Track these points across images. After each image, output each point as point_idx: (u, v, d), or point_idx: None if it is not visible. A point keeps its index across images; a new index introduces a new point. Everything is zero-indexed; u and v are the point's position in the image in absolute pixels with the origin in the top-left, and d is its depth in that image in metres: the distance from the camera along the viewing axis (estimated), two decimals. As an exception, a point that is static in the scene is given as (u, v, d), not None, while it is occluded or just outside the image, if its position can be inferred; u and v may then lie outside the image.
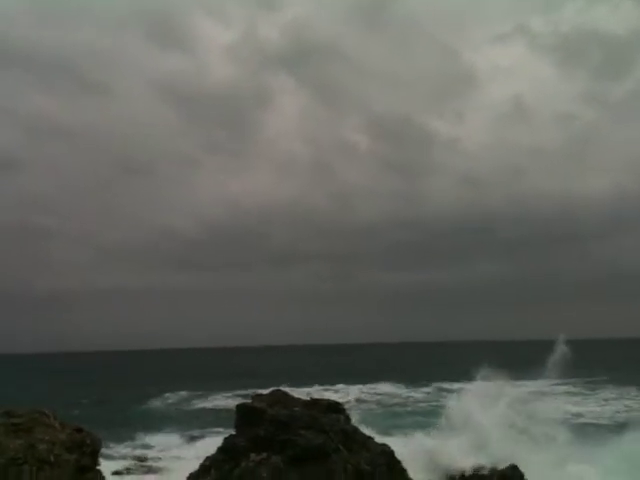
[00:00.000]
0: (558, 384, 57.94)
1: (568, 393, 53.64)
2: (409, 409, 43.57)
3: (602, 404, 43.82)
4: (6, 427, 13.70)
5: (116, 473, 23.81)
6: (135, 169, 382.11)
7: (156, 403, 49.47)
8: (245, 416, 22.12)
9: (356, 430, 21.97)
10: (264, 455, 19.67)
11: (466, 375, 63.24)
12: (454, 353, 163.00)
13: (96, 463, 15.38)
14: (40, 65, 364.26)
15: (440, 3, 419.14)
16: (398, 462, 21.52)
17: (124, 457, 25.96)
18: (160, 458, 26.68)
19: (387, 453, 21.46)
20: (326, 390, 54.56)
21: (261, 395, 24.47)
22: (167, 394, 53.71)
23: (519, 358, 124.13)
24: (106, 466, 19.67)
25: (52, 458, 13.69)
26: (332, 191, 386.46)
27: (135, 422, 37.26)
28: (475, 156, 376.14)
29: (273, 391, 25.31)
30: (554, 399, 47.33)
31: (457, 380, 60.10)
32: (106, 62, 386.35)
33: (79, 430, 15.45)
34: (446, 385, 57.81)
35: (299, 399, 23.48)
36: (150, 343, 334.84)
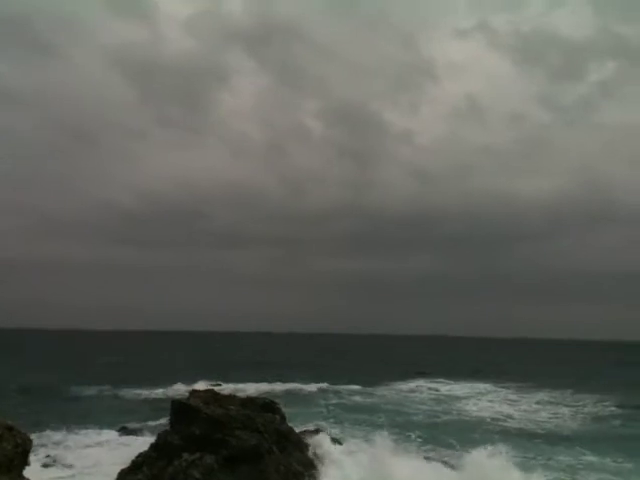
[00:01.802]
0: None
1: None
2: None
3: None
4: None
5: (45, 466, 23.36)
6: (82, 138, 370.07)
7: (89, 392, 48.36)
8: (180, 413, 22.13)
9: (291, 430, 22.41)
10: (197, 455, 19.79)
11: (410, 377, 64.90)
12: (385, 348, 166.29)
13: (26, 463, 15.20)
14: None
15: None
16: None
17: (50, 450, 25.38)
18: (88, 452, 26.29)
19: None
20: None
21: (197, 392, 24.52)
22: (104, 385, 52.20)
23: (453, 356, 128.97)
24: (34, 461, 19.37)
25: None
26: (284, 175, 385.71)
27: (63, 413, 36.38)
28: (426, 150, 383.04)
29: (209, 388, 25.47)
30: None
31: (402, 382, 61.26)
32: (59, 25, 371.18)
33: (10, 428, 15.18)
34: (384, 391, 56.92)
35: (235, 397, 23.66)
36: (82, 323, 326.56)
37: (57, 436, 28.12)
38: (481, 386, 60.07)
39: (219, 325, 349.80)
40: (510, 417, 39.72)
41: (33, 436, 16.87)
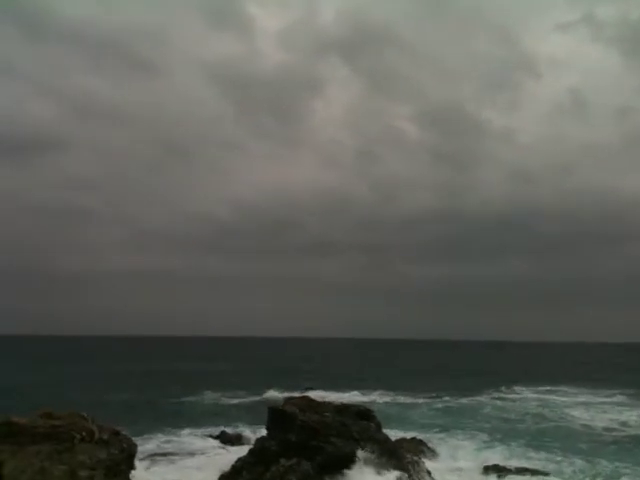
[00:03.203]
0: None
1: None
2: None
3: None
4: (50, 451, 14.15)
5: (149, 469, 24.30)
6: (179, 152, 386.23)
7: (188, 398, 50.12)
8: (276, 420, 22.42)
9: (387, 439, 22.07)
10: (294, 460, 19.93)
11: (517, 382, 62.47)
12: (485, 355, 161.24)
13: (132, 467, 15.90)
14: (88, 43, 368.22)
15: None
16: (428, 472, 21.58)
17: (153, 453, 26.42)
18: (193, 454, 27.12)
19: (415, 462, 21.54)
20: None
21: (293, 398, 24.75)
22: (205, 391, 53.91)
23: (557, 362, 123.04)
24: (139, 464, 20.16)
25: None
26: (376, 181, 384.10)
27: (167, 417, 37.90)
28: (527, 148, 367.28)
29: (304, 395, 25.63)
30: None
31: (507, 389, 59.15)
32: (157, 42, 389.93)
33: (116, 433, 15.96)
34: (483, 398, 55.50)
35: (330, 404, 23.65)
36: (182, 329, 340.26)
37: (159, 441, 29.27)
38: (591, 392, 56.81)
39: (307, 332, 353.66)
40: (625, 425, 37.15)
41: (137, 441, 17.66)
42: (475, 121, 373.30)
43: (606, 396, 54.27)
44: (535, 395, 55.50)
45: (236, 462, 21.61)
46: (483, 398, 52.27)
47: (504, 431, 33.75)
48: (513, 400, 51.47)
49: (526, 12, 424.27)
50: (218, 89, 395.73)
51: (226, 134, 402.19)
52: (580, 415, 41.70)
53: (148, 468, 23.01)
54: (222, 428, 32.14)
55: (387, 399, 50.39)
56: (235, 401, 48.51)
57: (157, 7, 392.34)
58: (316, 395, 30.52)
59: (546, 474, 23.13)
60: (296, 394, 32.08)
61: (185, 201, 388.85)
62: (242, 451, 23.24)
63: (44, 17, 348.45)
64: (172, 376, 71.29)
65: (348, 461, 19.97)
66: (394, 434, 25.41)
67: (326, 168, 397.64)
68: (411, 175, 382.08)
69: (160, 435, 30.62)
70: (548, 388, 61.62)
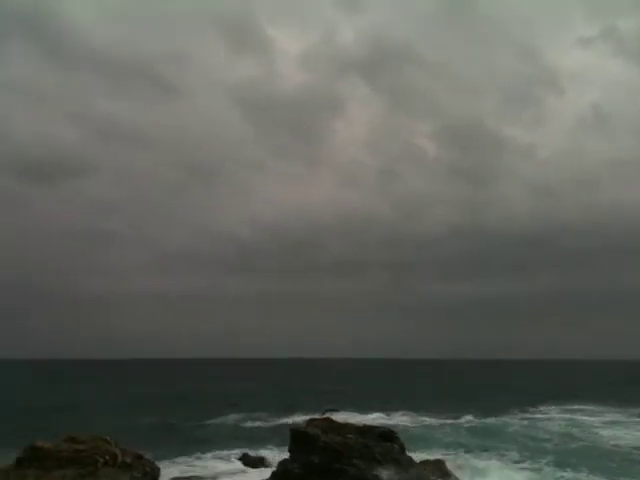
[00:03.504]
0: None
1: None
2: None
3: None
4: (74, 475, 14.25)
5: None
6: (202, 174, 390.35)
7: (212, 420, 50.02)
8: (299, 442, 22.30)
9: (410, 460, 21.81)
10: (317, 483, 19.79)
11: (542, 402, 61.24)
12: (520, 374, 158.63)
13: (154, 490, 15.92)
14: (112, 67, 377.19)
15: (524, 5, 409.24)
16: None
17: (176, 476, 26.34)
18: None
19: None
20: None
21: (315, 420, 24.64)
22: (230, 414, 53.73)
23: (590, 380, 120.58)
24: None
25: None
26: (396, 200, 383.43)
27: (190, 439, 37.89)
28: (549, 164, 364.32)
29: (326, 417, 25.50)
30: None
31: (533, 409, 57.98)
32: (179, 65, 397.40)
33: (139, 457, 16.01)
34: (521, 415, 54.16)
35: (352, 425, 23.49)
36: (206, 351, 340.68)
37: (182, 464, 29.23)
38: (618, 411, 55.56)
39: (330, 352, 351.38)
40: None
41: (160, 464, 17.68)
42: (496, 137, 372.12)
43: (635, 415, 53.03)
44: (562, 414, 54.41)
45: (259, 485, 21.55)
46: (508, 418, 51.38)
47: (531, 451, 33.14)
48: (540, 419, 50.52)
49: (547, 27, 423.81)
50: (240, 111, 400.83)
51: (248, 155, 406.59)
52: (609, 434, 40.80)
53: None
54: (245, 450, 32.02)
55: (410, 419, 49.78)
56: (257, 423, 48.32)
57: (179, 31, 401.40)
58: (338, 417, 30.31)
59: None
60: (317, 416, 31.94)
61: (207, 222, 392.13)
62: (265, 474, 23.17)
63: (69, 42, 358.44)
64: (195, 398, 71.31)
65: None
66: (418, 455, 25.07)
67: (347, 187, 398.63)
68: (432, 192, 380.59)
69: (183, 458, 30.60)
70: (575, 407, 60.44)
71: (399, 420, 49.11)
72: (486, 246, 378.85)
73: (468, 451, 33.08)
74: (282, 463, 22.28)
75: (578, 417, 51.97)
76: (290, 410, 53.22)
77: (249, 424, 47.97)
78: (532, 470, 27.74)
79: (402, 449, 22.15)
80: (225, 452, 32.56)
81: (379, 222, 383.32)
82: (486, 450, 33.17)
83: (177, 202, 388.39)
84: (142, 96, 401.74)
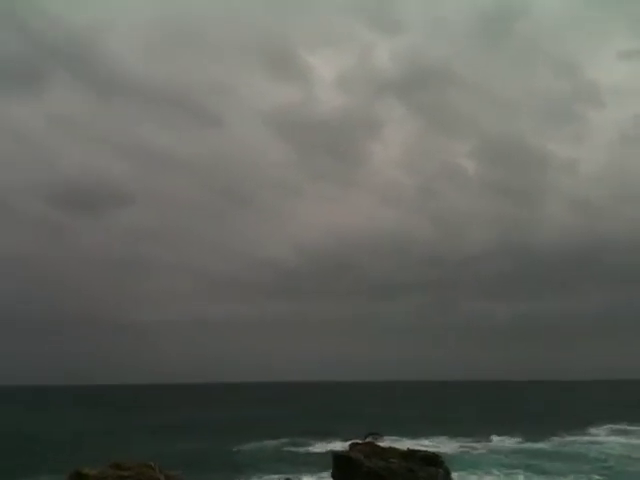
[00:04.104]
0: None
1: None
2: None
3: None
4: None
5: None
6: (241, 199, 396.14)
7: (251, 446, 49.77)
8: (342, 466, 22.01)
9: (456, 485, 21.28)
10: (361, 509, 19.43)
11: (592, 424, 59.30)
12: (567, 395, 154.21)
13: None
14: (154, 99, 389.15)
15: (562, 21, 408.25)
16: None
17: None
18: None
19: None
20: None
21: (357, 444, 24.32)
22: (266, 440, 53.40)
23: (634, 400, 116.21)
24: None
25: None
26: (435, 219, 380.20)
27: (231, 465, 37.79)
28: (592, 179, 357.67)
29: (369, 441, 25.11)
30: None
31: (580, 431, 56.00)
32: (219, 95, 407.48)
33: (168, 477, 16.00)
34: (570, 438, 52.28)
35: (396, 449, 23.10)
36: (249, 375, 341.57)
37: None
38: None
39: (371, 375, 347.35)
40: None
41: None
42: (537, 153, 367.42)
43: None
44: (613, 437, 52.51)
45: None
46: (557, 440, 49.82)
47: (585, 474, 31.92)
48: (591, 442, 48.83)
49: (586, 42, 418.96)
50: (278, 136, 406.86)
51: (286, 179, 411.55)
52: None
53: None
54: (287, 476, 31.69)
55: (455, 443, 48.66)
56: (298, 448, 47.89)
57: (218, 61, 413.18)
58: (381, 441, 29.81)
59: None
60: (360, 440, 31.46)
61: (246, 247, 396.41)
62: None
63: (112, 74, 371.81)
64: (236, 423, 71.16)
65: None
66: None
67: (385, 208, 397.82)
68: (472, 210, 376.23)
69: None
70: (625, 428, 58.19)
71: (443, 443, 48.08)
72: (529, 263, 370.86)
73: (515, 475, 32.07)
74: (325, 489, 22.00)
75: (632, 440, 49.99)
76: (330, 434, 52.56)
77: (289, 449, 47.56)
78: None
79: (447, 473, 21.65)
80: (266, 477, 32.30)
81: (418, 242, 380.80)
82: (536, 474, 32.12)
83: (216, 228, 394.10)
84: (182, 125, 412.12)
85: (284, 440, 51.82)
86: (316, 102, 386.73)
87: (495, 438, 50.87)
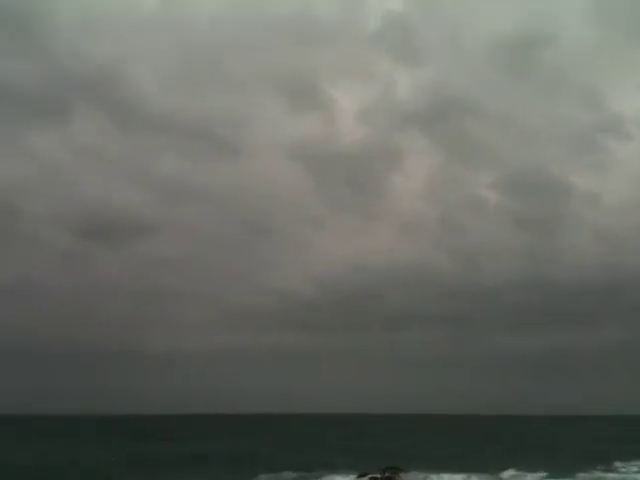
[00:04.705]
0: None
1: None
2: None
3: None
4: None
5: None
6: (262, 231, 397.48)
7: (272, 476, 49.07)
8: (359, 502, 21.37)
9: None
10: None
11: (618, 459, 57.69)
12: (589, 430, 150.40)
13: None
14: (175, 131, 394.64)
15: (585, 51, 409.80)
16: None
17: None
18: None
19: None
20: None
21: (375, 479, 23.67)
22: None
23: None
24: None
25: None
26: (456, 251, 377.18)
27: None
28: (615, 211, 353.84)
29: (387, 476, 24.40)
30: None
31: (606, 467, 54.37)
32: (241, 127, 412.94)
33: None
34: (599, 474, 50.91)
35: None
36: (266, 407, 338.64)
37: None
38: None
39: (391, 408, 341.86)
40: None
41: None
42: (559, 185, 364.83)
43: None
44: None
45: None
46: (584, 476, 48.37)
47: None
48: (622, 479, 47.39)
49: (610, 72, 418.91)
50: (299, 168, 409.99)
51: (308, 211, 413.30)
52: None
53: None
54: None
55: (475, 479, 47.38)
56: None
57: (240, 93, 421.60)
58: (398, 477, 28.95)
59: None
60: (378, 475, 30.65)
61: (265, 278, 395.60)
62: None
63: (133, 106, 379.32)
64: (253, 454, 70.27)
65: None
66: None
67: (406, 240, 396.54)
68: (494, 242, 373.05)
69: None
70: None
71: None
72: (551, 296, 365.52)
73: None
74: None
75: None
76: (347, 468, 51.51)
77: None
78: None
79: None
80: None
81: (439, 274, 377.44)
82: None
83: (236, 259, 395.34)
84: (203, 157, 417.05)
85: (303, 473, 50.97)
86: (338, 134, 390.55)
87: (515, 473, 49.45)
